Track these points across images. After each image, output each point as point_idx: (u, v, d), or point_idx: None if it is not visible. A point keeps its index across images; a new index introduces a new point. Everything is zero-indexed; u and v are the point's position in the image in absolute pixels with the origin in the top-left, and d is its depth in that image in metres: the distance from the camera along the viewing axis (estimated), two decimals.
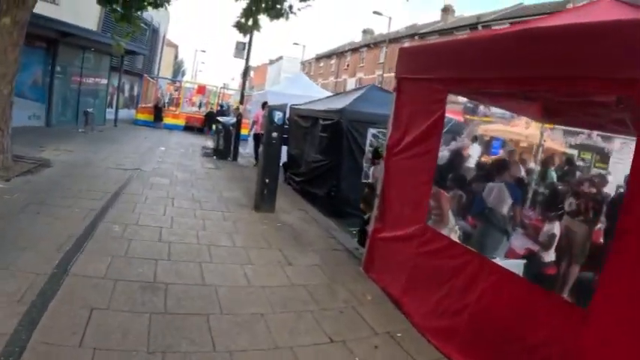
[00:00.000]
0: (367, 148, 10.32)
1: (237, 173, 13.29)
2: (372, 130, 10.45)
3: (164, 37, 39.58)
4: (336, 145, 10.14)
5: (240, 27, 8.53)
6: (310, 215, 9.21)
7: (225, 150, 15.88)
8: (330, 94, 20.55)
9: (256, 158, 15.53)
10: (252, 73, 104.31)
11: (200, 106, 37.94)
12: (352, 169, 10.06)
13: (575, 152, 5.41)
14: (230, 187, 10.75)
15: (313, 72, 67.75)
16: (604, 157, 4.95)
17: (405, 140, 5.48)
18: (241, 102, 16.58)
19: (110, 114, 24.06)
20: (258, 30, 8.56)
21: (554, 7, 31.72)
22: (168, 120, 26.66)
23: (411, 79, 5.59)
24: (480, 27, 36.84)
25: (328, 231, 8.07)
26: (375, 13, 38.82)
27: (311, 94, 17.14)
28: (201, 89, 32.30)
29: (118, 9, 10.71)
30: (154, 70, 36.27)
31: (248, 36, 16.03)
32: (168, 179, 10.38)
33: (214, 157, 15.81)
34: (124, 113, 28.61)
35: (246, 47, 16.36)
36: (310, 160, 11.31)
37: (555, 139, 5.81)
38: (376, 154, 7.01)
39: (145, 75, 30.15)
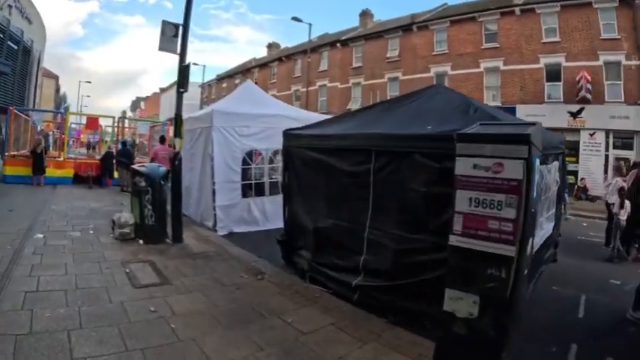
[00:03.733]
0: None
1: (220, 289, 6.24)
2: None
3: (39, 60, 30.78)
4: None
5: None
6: None
7: (159, 225, 8.78)
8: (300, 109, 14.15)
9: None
10: (142, 105, 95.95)
11: (89, 147, 29.46)
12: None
13: None
14: None
15: (215, 95, 60.39)
16: None
17: None
18: (177, 133, 9.22)
19: None
20: None
21: (473, 7, 31.19)
22: (49, 171, 18.22)
23: None
24: (414, 28, 33.15)
25: None
26: (294, 19, 32.72)
27: (282, 112, 12.14)
28: (92, 122, 23.21)
29: None
30: (30, 105, 27.41)
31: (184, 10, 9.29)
32: None
33: (140, 241, 8.58)
34: None
35: (181, 32, 9.24)
36: (405, 247, 5.31)
37: None
38: None
39: (12, 108, 20.52)
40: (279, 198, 10.72)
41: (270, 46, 55.44)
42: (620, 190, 9.80)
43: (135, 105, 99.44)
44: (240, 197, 11.04)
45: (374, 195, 5.79)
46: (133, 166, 9.73)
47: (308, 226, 6.95)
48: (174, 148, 9.21)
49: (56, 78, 60.02)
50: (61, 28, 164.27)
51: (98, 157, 20.38)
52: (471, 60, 29.65)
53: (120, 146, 19.32)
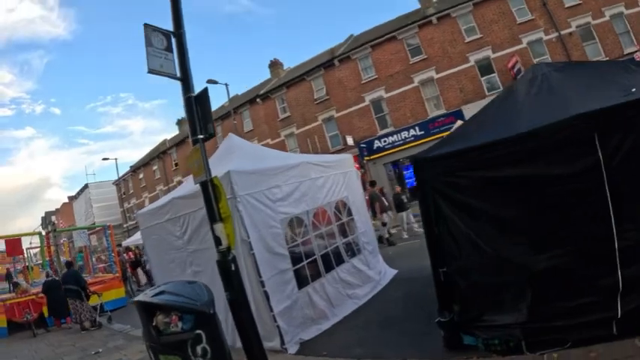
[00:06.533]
0: None
1: None
2: None
3: None
4: None
5: None
6: None
7: None
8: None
9: None
10: (54, 219, 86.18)
11: (10, 279, 23.30)
12: None
13: None
14: None
15: (133, 189, 54.30)
16: None
17: None
18: (214, 212, 4.63)
19: None
20: None
21: (382, 31, 30.07)
22: None
23: None
24: (336, 62, 30.81)
25: None
26: (209, 82, 28.75)
27: (305, 159, 8.86)
28: (14, 247, 16.99)
29: None
30: None
31: None
32: None
33: None
34: None
35: (175, 44, 5.08)
36: None
37: None
38: None
39: None
40: (336, 272, 8.17)
41: (179, 122, 50.61)
42: None
43: (46, 221, 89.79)
44: (297, 290, 7.08)
45: (613, 188, 4.18)
46: (149, 300, 4.88)
47: (510, 278, 4.74)
48: (221, 242, 4.76)
49: None
50: None
51: (34, 289, 14.91)
52: (403, 77, 28.54)
53: (66, 267, 13.50)
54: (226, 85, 29.86)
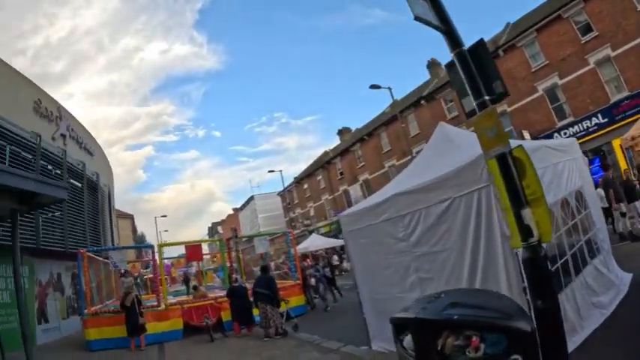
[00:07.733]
0: None
1: None
2: None
3: (110, 196, 26.35)
4: None
5: None
6: None
7: None
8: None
9: None
10: (220, 229, 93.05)
11: (187, 283, 24.62)
12: None
13: None
14: None
15: (298, 199, 55.80)
16: None
17: None
18: (520, 196, 3.38)
19: (49, 331, 14.97)
20: None
21: (543, 13, 27.02)
22: (150, 327, 12.65)
23: None
24: (501, 52, 28.31)
25: None
26: (372, 87, 27.91)
27: (544, 143, 7.88)
28: (194, 252, 17.15)
29: None
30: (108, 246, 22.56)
31: None
32: None
33: None
34: (69, 325, 16.47)
35: None
36: None
37: None
38: None
39: (82, 251, 14.31)
40: (583, 276, 6.59)
41: (340, 132, 51.54)
42: None
43: (212, 231, 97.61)
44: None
45: None
46: (440, 317, 3.28)
47: None
48: (532, 233, 3.40)
49: (131, 217, 56.76)
50: (126, 175, 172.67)
51: (211, 294, 15.15)
52: (576, 60, 24.76)
53: (262, 270, 13.30)
54: (389, 88, 28.55)
